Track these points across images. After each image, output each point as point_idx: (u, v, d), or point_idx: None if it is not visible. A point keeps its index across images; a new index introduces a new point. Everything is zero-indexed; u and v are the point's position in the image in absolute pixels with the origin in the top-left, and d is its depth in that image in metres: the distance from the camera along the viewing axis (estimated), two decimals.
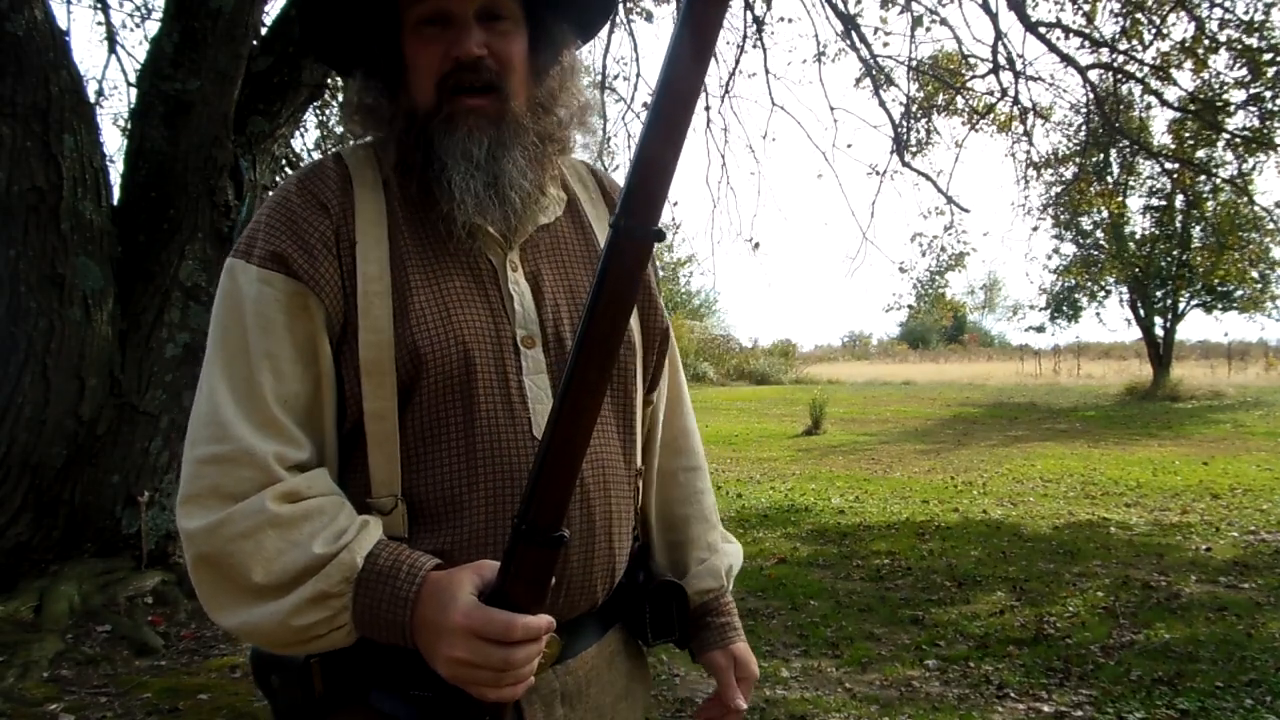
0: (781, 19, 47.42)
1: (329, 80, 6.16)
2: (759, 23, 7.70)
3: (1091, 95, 7.92)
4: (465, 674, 0.87)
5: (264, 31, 5.01)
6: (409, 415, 1.00)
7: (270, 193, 1.13)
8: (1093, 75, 7.94)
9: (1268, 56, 7.29)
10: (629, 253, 0.78)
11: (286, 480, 0.93)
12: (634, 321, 1.14)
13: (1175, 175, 10.29)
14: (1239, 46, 7.34)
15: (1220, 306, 20.62)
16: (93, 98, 7.42)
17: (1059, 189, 10.09)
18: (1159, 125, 20.14)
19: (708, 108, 10.71)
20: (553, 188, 1.13)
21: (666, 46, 0.76)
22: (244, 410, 0.95)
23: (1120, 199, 11.16)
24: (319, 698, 0.99)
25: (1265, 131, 8.05)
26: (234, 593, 0.92)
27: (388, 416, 0.99)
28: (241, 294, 0.98)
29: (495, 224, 1.04)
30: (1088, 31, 7.80)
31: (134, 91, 5.00)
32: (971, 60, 8.56)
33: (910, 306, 15.58)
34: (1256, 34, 7.24)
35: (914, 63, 8.49)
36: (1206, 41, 7.38)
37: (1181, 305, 20.86)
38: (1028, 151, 9.72)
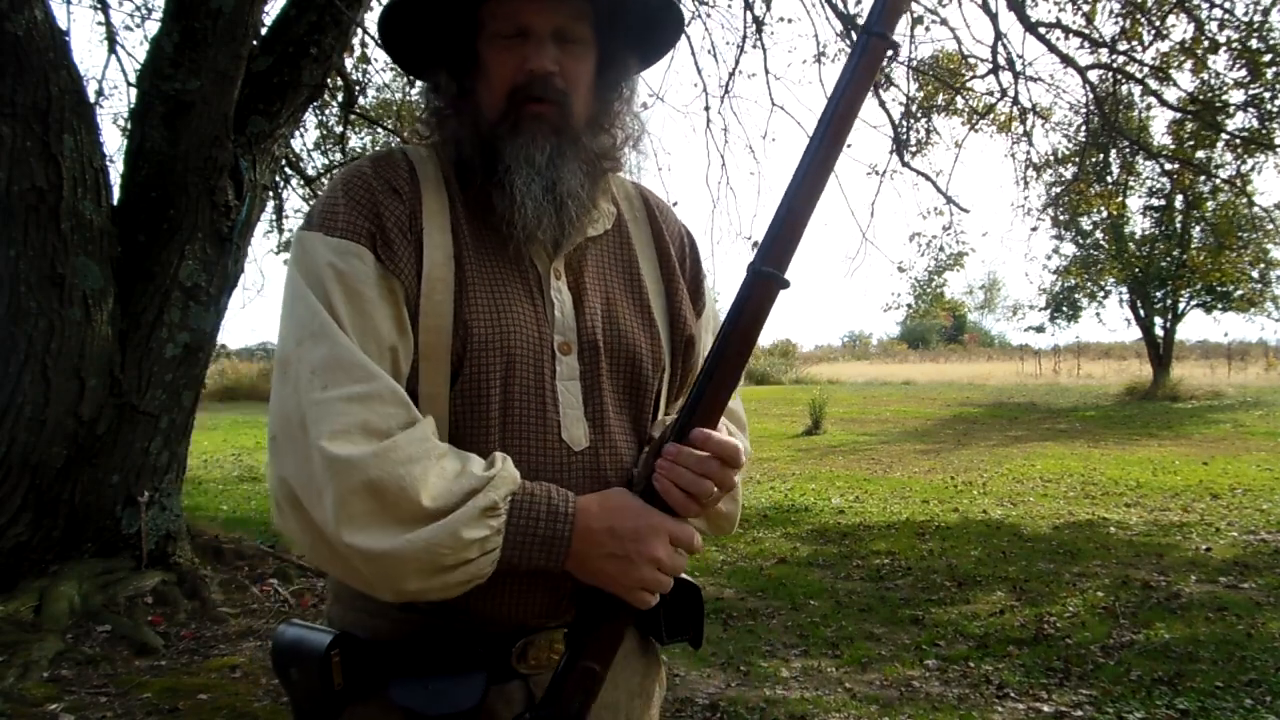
0: (781, 19, 47.49)
1: (329, 80, 6.16)
2: (759, 23, 7.70)
3: (1091, 95, 7.91)
4: (654, 576, 0.97)
5: (264, 31, 5.00)
6: (452, 402, 1.03)
7: (339, 171, 1.16)
8: (1092, 76, 7.94)
9: (1267, 57, 7.29)
10: (761, 293, 0.96)
11: (425, 420, 0.97)
12: (664, 334, 1.17)
13: (1175, 175, 10.28)
14: (1238, 47, 7.33)
15: (1220, 306, 20.64)
16: (93, 98, 7.41)
17: (1059, 189, 10.06)
18: (1159, 125, 20.17)
19: (707, 108, 10.75)
20: (604, 202, 1.17)
21: (818, 118, 0.96)
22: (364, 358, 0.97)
23: (1120, 199, 11.14)
24: (337, 690, 1.00)
25: (1265, 132, 8.04)
26: (396, 517, 0.90)
27: (440, 399, 1.02)
28: (324, 265, 0.98)
29: (547, 231, 1.07)
30: (1087, 32, 7.79)
31: (134, 91, 4.99)
32: (971, 60, 8.56)
33: (909, 306, 15.58)
34: (1256, 35, 7.23)
35: (914, 63, 8.48)
36: (1206, 42, 7.38)
37: (1181, 305, 20.88)
38: (1027, 152, 9.73)
